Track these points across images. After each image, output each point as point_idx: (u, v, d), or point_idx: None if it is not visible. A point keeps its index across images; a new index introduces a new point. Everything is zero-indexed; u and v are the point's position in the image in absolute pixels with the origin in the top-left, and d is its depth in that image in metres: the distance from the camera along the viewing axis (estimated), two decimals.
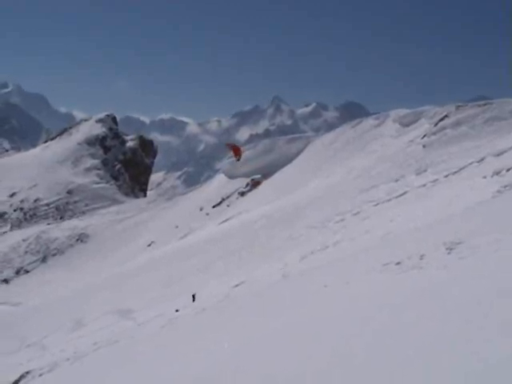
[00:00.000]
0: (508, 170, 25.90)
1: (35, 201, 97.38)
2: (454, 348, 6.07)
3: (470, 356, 5.64)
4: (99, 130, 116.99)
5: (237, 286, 26.02)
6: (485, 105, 61.38)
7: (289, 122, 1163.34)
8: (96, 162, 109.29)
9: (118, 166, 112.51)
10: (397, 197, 34.20)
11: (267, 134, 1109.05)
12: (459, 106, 63.46)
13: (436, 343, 6.40)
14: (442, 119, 60.63)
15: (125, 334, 25.71)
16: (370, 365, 6.63)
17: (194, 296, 25.13)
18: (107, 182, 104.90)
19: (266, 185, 74.79)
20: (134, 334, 23.43)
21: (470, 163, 33.76)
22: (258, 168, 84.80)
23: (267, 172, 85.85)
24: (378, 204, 34.70)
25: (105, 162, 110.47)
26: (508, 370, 5.02)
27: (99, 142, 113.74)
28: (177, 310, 23.16)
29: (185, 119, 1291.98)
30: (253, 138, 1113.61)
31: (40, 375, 24.94)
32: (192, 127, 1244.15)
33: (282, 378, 7.41)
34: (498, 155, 31.98)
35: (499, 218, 14.41)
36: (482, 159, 32.98)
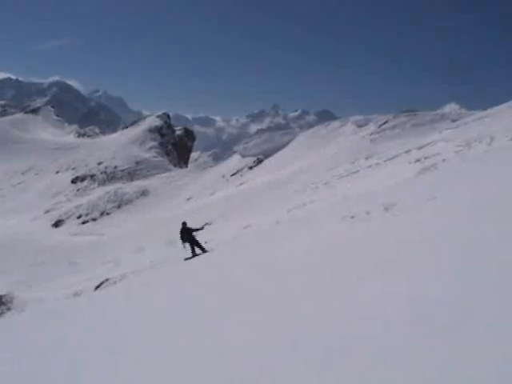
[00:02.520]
0: (425, 158, 25.83)
1: (114, 167, 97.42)
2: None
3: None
4: (158, 122, 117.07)
5: (245, 227, 26.09)
6: (412, 115, 61.37)
7: (283, 122, 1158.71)
8: (155, 143, 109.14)
9: (170, 147, 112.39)
10: (352, 173, 34.17)
11: (269, 129, 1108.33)
12: (395, 115, 63.38)
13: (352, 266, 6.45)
14: (383, 123, 60.62)
15: (170, 256, 25.87)
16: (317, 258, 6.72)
17: (203, 226, 24.45)
18: (162, 157, 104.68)
19: (267, 162, 74.69)
20: (175, 257, 23.56)
21: (401, 153, 33.68)
22: (261, 151, 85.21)
23: (268, 154, 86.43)
24: (339, 178, 34.71)
25: (161, 144, 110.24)
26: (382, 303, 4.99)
27: (158, 130, 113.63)
28: (205, 242, 23.20)
29: (215, 117, 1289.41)
30: (259, 132, 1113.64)
31: (114, 282, 25.13)
32: (219, 122, 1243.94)
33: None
34: (419, 148, 31.86)
35: (418, 190, 14.43)
36: (409, 151, 32.88)
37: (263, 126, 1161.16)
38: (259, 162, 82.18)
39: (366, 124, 67.71)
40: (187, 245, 20.63)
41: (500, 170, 12.53)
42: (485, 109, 54.18)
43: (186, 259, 20.11)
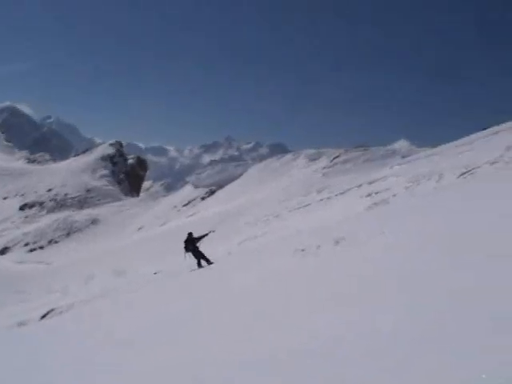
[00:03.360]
0: (376, 193, 26.22)
1: (65, 195, 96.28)
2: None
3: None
4: (110, 150, 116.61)
5: None
6: (364, 150, 62.41)
7: (236, 154, 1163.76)
8: (107, 171, 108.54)
9: (122, 176, 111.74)
10: (304, 206, 34.38)
11: (222, 160, 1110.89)
12: (347, 150, 64.39)
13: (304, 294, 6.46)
14: (336, 157, 61.52)
15: (120, 286, 25.44)
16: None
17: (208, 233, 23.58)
18: (113, 186, 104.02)
19: (219, 193, 74.70)
20: (126, 287, 23.19)
21: (352, 187, 34.09)
22: (214, 182, 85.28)
23: (221, 185, 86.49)
24: (291, 211, 34.87)
25: (113, 172, 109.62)
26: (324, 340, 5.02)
27: (110, 158, 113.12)
28: (155, 273, 22.88)
29: (168, 147, 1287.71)
30: (212, 163, 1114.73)
31: (60, 312, 24.53)
32: (172, 152, 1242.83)
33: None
34: (370, 183, 32.34)
35: (369, 224, 14.58)
36: (360, 185, 33.32)
37: (216, 157, 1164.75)
38: (212, 192, 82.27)
39: (318, 158, 68.54)
40: (189, 255, 20.36)
41: (448, 206, 12.79)
42: (434, 146, 55.54)
43: (192, 270, 19.72)
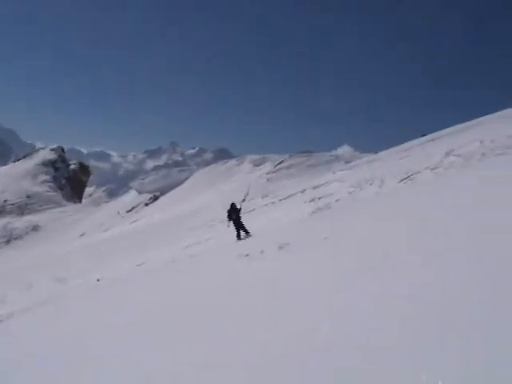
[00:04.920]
0: (320, 198, 26.45)
1: (4, 201, 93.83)
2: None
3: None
4: (52, 156, 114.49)
5: (139, 265, 25.55)
6: (308, 155, 63.07)
7: (180, 159, 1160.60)
8: (48, 177, 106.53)
9: (64, 181, 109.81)
10: (249, 211, 34.42)
11: (166, 165, 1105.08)
12: (291, 155, 64.94)
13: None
14: (280, 163, 61.96)
15: (60, 294, 24.90)
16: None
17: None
18: (55, 191, 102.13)
19: (163, 199, 74.30)
20: (66, 294, 22.71)
21: (297, 192, 34.34)
22: (158, 187, 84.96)
23: (165, 191, 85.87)
24: None
25: (54, 178, 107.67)
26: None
27: (51, 164, 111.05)
28: (98, 280, 22.49)
29: (111, 152, 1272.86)
30: (156, 168, 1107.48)
31: (1, 321, 23.85)
32: (116, 158, 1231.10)
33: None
34: (314, 188, 32.63)
35: (312, 229, 14.68)
36: (304, 190, 33.58)
37: (160, 162, 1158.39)
38: (155, 198, 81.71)
39: (262, 163, 68.95)
40: (231, 224, 21.14)
41: (389, 212, 12.95)
42: (375, 152, 56.55)
43: (237, 240, 20.28)
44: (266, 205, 35.06)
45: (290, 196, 34.44)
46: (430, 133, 48.12)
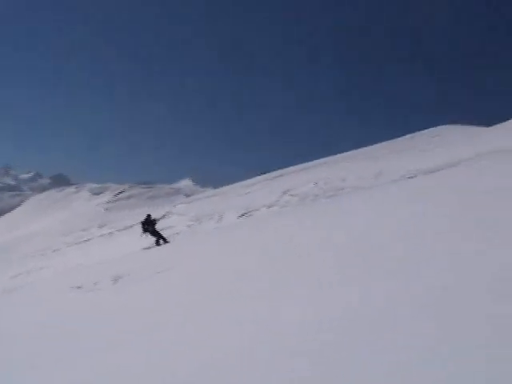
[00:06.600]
0: (160, 231, 26.39)
1: None
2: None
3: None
4: None
5: None
6: (149, 187, 63.09)
7: (13, 183, 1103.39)
8: None
9: None
10: (84, 241, 33.64)
11: None
12: (131, 186, 64.59)
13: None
14: (120, 193, 61.34)
15: None
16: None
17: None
18: None
19: None
20: None
21: (135, 224, 33.99)
22: None
23: None
24: (70, 245, 33.97)
25: None
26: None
27: None
28: None
29: None
30: None
31: None
32: None
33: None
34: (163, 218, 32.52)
35: (150, 261, 14.59)
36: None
37: None
38: None
39: (102, 192, 67.77)
40: (148, 235, 21.48)
41: (227, 248, 13.16)
42: (215, 187, 57.56)
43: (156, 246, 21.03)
44: (102, 235, 34.35)
45: (128, 227, 33.97)
46: (269, 171, 49.80)
